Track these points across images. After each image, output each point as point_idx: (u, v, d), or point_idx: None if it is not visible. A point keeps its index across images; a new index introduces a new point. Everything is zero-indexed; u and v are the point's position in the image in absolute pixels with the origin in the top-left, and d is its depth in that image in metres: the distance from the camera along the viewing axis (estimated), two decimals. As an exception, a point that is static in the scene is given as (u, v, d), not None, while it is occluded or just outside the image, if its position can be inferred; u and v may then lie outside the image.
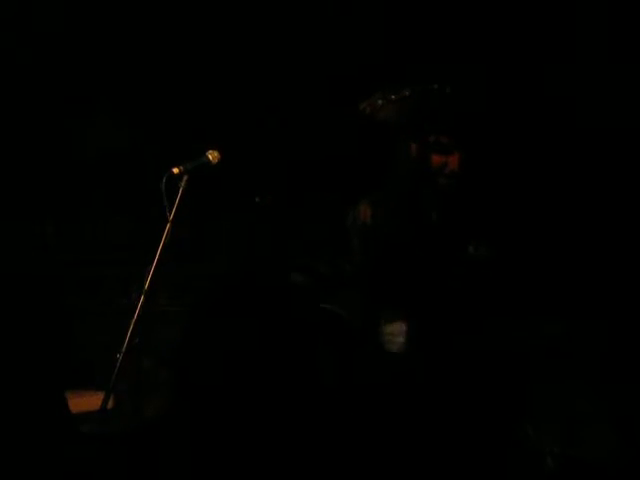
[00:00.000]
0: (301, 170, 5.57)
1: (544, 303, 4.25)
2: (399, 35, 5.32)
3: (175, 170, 3.67)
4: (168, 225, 3.59)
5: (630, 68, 5.04)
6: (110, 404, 3.48)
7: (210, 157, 3.76)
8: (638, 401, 4.39)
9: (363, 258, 3.86)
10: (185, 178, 3.67)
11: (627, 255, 5.04)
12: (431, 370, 3.83)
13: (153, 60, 5.52)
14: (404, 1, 5.28)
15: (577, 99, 5.15)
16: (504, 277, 3.70)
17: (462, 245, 3.78)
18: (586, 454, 4.24)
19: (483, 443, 3.87)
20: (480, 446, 3.85)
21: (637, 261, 5.00)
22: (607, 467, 4.27)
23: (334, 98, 5.43)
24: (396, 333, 3.75)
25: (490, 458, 3.89)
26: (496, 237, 3.83)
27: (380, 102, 3.84)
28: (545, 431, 4.31)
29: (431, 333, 3.69)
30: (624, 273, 5.01)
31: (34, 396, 1.77)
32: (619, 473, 4.19)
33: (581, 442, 4.23)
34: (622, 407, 4.33)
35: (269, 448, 1.74)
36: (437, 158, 3.86)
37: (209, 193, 5.08)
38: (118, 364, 3.46)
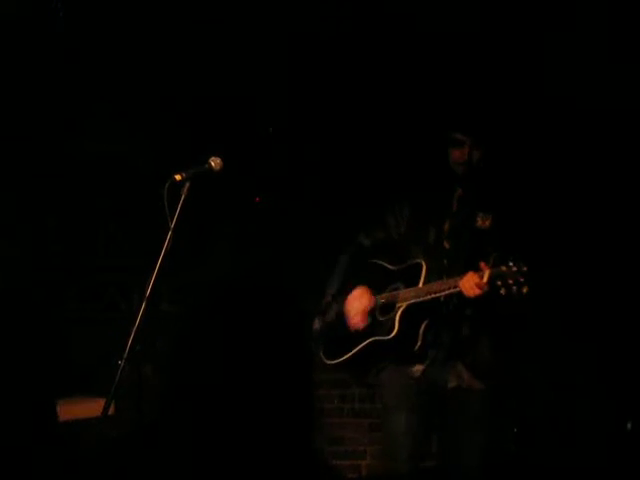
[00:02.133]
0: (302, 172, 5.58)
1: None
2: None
3: (177, 177, 3.64)
4: (170, 232, 3.57)
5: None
6: (111, 411, 3.47)
7: (212, 164, 3.73)
8: None
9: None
10: (187, 185, 3.65)
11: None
12: None
13: (155, 65, 5.51)
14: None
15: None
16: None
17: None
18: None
19: None
20: None
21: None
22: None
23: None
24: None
25: None
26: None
27: None
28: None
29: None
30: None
31: (23, 402, 1.76)
32: None
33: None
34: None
35: (267, 449, 1.73)
36: (456, 152, 3.99)
37: (211, 198, 5.07)
38: (119, 371, 3.45)
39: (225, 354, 1.78)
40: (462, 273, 3.78)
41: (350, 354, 4.08)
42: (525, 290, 3.59)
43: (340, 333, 4.12)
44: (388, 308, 4.04)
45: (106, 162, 5.52)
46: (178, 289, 5.51)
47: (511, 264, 3.62)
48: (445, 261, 3.97)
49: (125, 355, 3.45)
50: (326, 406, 5.61)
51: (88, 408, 4.36)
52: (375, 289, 4.11)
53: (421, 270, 3.97)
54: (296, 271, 5.26)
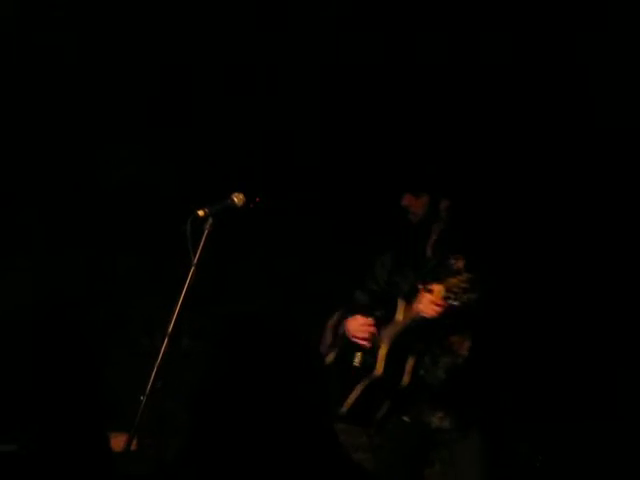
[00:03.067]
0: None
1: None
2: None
3: (200, 212, 3.65)
4: (192, 268, 3.58)
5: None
6: (133, 446, 3.47)
7: (235, 199, 3.73)
8: None
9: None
10: (210, 221, 3.66)
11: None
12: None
13: (181, 92, 5.54)
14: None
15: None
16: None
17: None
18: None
19: None
20: None
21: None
22: None
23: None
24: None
25: None
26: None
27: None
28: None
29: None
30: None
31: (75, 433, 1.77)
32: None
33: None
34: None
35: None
36: (408, 198, 4.14)
37: (232, 235, 5.08)
38: (141, 406, 3.45)
39: (244, 393, 1.79)
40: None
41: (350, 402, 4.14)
42: (472, 296, 3.75)
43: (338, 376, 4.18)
44: (374, 349, 4.10)
45: (129, 196, 5.54)
46: (200, 325, 5.52)
47: (457, 276, 3.77)
48: None
49: (147, 391, 3.46)
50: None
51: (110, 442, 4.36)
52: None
53: (397, 307, 4.08)
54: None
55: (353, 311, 4.25)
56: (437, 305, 3.82)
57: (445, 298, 3.79)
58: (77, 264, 5.53)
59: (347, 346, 4.18)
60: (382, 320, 4.14)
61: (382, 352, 4.04)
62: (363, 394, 4.10)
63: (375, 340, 4.10)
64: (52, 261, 5.41)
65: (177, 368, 3.75)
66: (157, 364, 3.49)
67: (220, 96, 5.54)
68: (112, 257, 5.57)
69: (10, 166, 5.37)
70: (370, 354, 4.10)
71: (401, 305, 4.07)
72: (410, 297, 4.05)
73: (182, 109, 5.53)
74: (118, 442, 3.89)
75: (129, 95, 5.52)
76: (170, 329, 3.54)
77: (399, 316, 4.06)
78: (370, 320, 4.13)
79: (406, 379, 3.98)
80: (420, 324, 3.96)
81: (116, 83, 5.48)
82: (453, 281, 3.80)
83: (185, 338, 5.45)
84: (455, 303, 3.78)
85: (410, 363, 3.98)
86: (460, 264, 4.00)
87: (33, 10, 5.32)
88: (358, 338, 4.15)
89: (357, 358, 4.15)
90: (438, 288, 3.83)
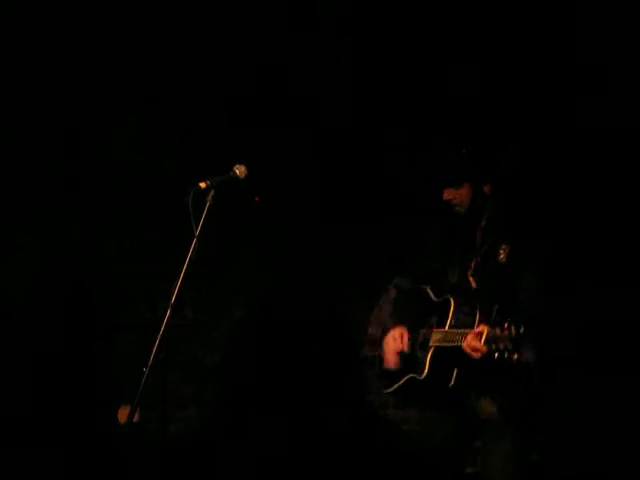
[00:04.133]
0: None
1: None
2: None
3: (202, 185, 3.65)
4: (194, 240, 3.58)
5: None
6: (136, 418, 3.47)
7: (237, 172, 3.72)
8: None
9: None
10: (212, 193, 3.65)
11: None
12: None
13: (186, 71, 5.52)
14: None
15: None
16: None
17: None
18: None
19: None
20: None
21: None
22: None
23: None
24: None
25: None
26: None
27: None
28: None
29: None
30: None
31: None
32: None
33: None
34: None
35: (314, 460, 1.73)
36: (448, 192, 4.09)
37: (234, 206, 5.07)
38: (144, 378, 3.45)
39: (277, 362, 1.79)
40: (488, 313, 3.90)
41: (392, 389, 4.19)
42: (515, 357, 3.67)
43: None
44: (425, 344, 4.09)
45: (131, 169, 5.54)
46: (202, 297, 5.52)
47: (506, 326, 3.69)
48: (472, 299, 4.01)
49: (150, 362, 3.46)
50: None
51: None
52: (417, 321, 4.19)
53: (450, 308, 4.04)
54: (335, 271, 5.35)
55: (399, 300, 4.26)
56: (480, 352, 3.75)
57: (490, 349, 3.71)
58: (80, 238, 5.53)
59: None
60: (436, 312, 4.10)
61: (428, 355, 4.02)
62: (407, 385, 4.12)
63: (425, 340, 4.09)
64: (56, 236, 5.41)
65: (180, 340, 3.76)
66: (159, 336, 3.49)
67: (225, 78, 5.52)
68: (116, 230, 5.57)
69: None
70: (422, 350, 4.10)
71: (452, 307, 4.02)
72: (461, 296, 4.02)
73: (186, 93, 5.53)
74: (121, 415, 3.89)
75: (133, 82, 5.52)
76: (173, 301, 3.54)
77: (449, 323, 4.00)
78: (402, 349, 4.12)
79: (452, 383, 3.93)
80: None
81: (123, 65, 5.49)
82: (500, 333, 3.69)
83: (187, 309, 5.46)
84: (496, 356, 3.70)
85: (455, 372, 3.93)
86: (505, 254, 3.99)
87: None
88: (386, 364, 4.18)
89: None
90: (485, 335, 3.74)
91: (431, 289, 4.18)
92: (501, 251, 4.00)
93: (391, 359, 4.16)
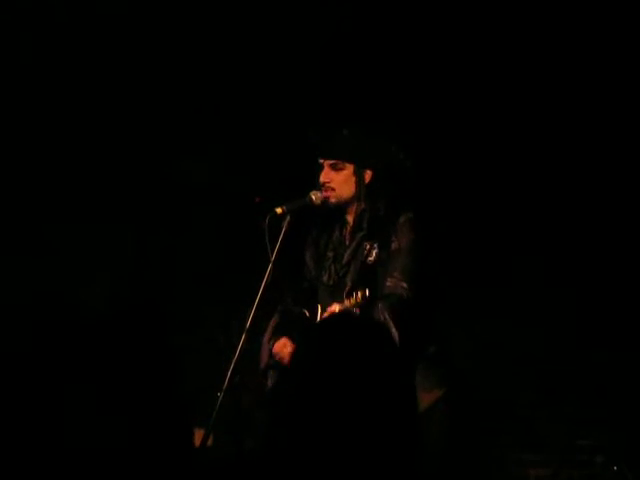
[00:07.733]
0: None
1: None
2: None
3: (278, 210, 3.68)
4: (270, 265, 3.60)
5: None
6: (209, 442, 3.50)
7: (313, 197, 3.74)
8: None
9: None
10: (287, 218, 3.67)
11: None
12: None
13: (253, 90, 5.52)
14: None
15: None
16: None
17: None
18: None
19: None
20: None
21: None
22: None
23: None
24: None
25: None
26: None
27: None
28: None
29: None
30: None
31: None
32: None
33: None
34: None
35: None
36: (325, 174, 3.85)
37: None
38: (218, 402, 3.47)
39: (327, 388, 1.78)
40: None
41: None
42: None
43: None
44: None
45: (209, 192, 5.55)
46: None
47: (353, 295, 3.61)
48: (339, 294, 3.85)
49: (224, 387, 3.48)
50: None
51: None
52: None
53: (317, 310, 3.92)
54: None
55: (286, 323, 3.98)
56: None
57: None
58: (154, 261, 5.58)
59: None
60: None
61: None
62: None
63: None
64: (130, 258, 5.46)
65: (254, 364, 3.77)
66: (234, 360, 3.52)
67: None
68: (189, 254, 5.60)
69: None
70: None
71: (319, 308, 3.90)
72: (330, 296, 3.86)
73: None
74: (195, 438, 3.91)
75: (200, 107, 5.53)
76: (248, 325, 3.56)
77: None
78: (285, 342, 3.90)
79: None
80: None
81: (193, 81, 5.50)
82: (347, 304, 3.64)
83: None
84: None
85: None
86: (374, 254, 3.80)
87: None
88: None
89: None
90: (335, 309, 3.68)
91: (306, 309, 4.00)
92: (373, 252, 3.79)
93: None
